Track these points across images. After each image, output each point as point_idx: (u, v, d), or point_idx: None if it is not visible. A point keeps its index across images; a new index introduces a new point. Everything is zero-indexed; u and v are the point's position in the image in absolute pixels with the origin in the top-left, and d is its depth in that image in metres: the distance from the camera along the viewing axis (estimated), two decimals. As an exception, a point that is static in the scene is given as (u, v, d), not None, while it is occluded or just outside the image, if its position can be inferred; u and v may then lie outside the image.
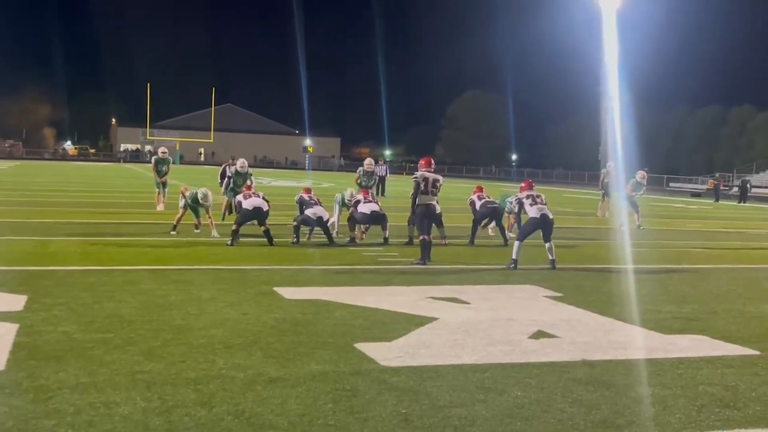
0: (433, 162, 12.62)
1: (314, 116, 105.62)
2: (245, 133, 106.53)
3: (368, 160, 19.39)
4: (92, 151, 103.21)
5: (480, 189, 16.50)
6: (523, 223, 12.53)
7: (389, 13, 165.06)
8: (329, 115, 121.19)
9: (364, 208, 14.21)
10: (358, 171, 19.15)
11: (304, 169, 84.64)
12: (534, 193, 12.23)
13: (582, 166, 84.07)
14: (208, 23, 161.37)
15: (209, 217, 14.63)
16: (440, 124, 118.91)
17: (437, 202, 13.53)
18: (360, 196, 14.72)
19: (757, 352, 6.89)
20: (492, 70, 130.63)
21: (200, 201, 14.33)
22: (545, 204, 12.12)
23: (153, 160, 20.83)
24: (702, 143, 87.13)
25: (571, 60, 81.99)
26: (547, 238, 11.99)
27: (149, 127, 79.89)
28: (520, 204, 12.34)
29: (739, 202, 42.36)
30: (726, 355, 6.77)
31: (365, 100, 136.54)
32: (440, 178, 12.49)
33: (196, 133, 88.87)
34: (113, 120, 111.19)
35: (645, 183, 21.42)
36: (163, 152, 20.59)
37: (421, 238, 12.03)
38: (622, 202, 21.43)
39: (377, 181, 24.28)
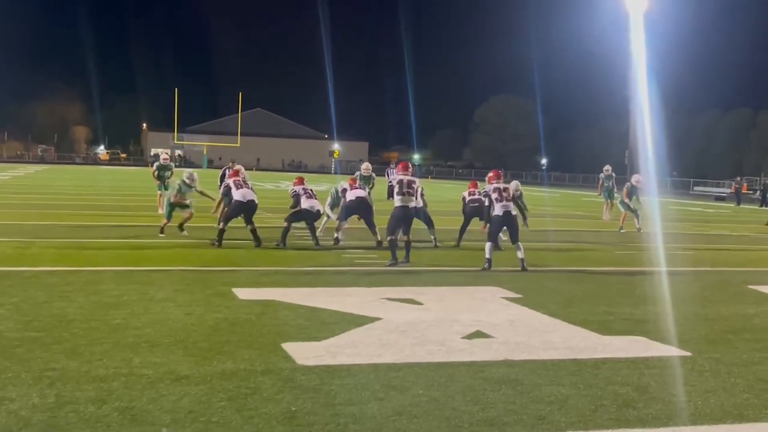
0: (410, 166, 12.73)
1: (342, 120, 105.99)
2: (274, 137, 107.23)
3: (365, 165, 19.38)
4: (123, 155, 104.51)
5: (474, 185, 15.86)
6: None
7: (417, 17, 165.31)
8: (358, 119, 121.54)
9: (351, 195, 14.30)
10: (355, 174, 19.21)
11: (330, 173, 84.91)
12: (501, 186, 12.13)
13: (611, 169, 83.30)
14: (239, 29, 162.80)
15: (188, 213, 14.65)
16: (468, 128, 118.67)
17: (425, 204, 13.59)
18: (347, 185, 14.86)
19: (688, 354, 6.86)
20: (520, 74, 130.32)
21: (186, 182, 14.35)
22: (510, 200, 12.05)
23: (155, 166, 20.98)
24: (731, 146, 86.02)
25: (600, 63, 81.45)
26: (514, 238, 11.95)
27: (177, 132, 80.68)
28: (489, 198, 12.09)
29: (761, 206, 41.75)
30: (655, 356, 6.75)
31: (394, 105, 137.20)
32: (416, 180, 12.51)
33: (224, 138, 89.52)
34: (144, 125, 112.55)
35: (640, 187, 21.09)
36: (164, 159, 20.79)
37: (389, 238, 12.11)
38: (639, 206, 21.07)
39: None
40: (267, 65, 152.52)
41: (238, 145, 79.04)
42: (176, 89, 75.82)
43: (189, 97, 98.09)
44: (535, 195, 45.95)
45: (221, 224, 13.33)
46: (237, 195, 13.52)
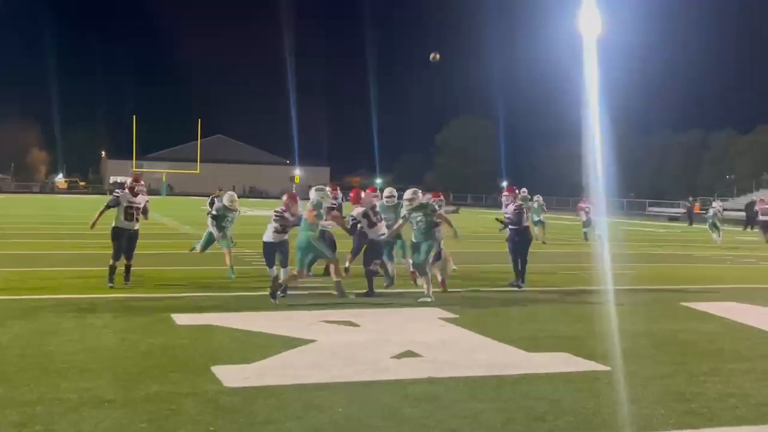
0: (362, 195, 12.33)
1: (304, 146, 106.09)
2: (234, 163, 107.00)
3: (389, 190, 13.66)
4: (82, 184, 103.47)
5: (437, 195, 13.89)
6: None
7: (379, 41, 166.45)
8: (320, 144, 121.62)
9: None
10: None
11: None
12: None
13: (568, 191, 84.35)
14: (200, 55, 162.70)
15: (228, 250, 13.40)
16: (430, 151, 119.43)
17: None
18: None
19: (607, 368, 7.11)
20: (481, 97, 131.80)
21: (227, 206, 13.53)
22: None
23: (214, 209, 18.66)
24: (685, 167, 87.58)
25: (556, 86, 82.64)
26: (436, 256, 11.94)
27: (136, 159, 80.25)
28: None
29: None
30: (575, 371, 6.99)
31: (356, 129, 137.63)
32: (376, 204, 12.37)
33: (184, 164, 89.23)
34: (103, 153, 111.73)
35: (535, 205, 24.66)
36: (229, 199, 17.32)
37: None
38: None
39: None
40: (228, 91, 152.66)
41: (198, 171, 78.82)
42: (135, 116, 75.64)
43: (148, 124, 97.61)
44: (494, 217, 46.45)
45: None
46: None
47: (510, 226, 13.19)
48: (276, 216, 11.66)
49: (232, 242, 14.42)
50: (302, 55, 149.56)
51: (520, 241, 12.98)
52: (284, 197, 11.96)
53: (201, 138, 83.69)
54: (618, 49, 64.37)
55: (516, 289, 12.63)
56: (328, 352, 7.53)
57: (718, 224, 26.73)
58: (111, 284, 11.46)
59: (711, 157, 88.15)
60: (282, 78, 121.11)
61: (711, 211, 27.29)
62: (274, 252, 11.74)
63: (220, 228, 13.67)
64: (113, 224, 11.93)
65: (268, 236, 11.77)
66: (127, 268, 11.85)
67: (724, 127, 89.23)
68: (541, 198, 25.76)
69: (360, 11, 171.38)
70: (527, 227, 13.36)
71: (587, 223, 27.11)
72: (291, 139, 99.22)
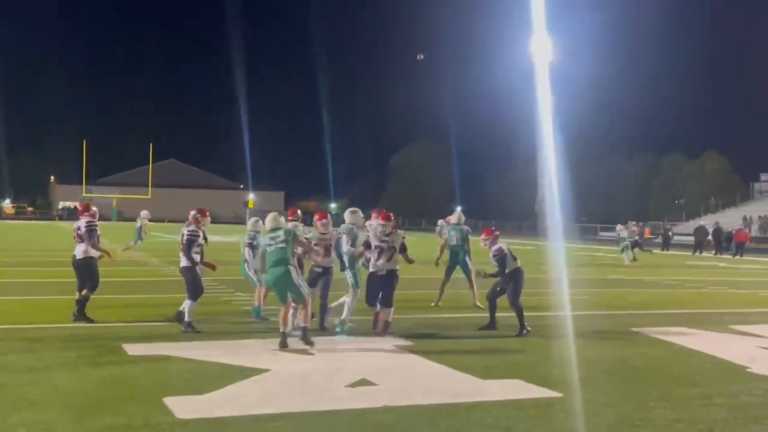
0: (298, 212, 12.11)
1: (258, 170, 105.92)
2: (187, 188, 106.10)
3: (458, 213, 15.20)
4: (30, 209, 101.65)
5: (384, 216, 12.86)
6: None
7: (333, 66, 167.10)
8: (274, 168, 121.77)
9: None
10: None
11: (245, 223, 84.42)
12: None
13: (522, 216, 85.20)
14: (151, 79, 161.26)
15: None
16: (385, 175, 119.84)
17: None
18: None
19: (559, 395, 7.19)
20: (434, 122, 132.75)
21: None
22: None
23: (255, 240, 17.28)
24: (636, 192, 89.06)
25: (510, 112, 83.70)
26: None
27: (86, 184, 79.21)
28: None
29: (662, 250, 43.32)
30: (527, 398, 7.06)
31: (310, 154, 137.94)
32: (333, 234, 11.06)
33: (135, 189, 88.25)
34: (52, 177, 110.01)
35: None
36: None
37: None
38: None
39: None
40: (180, 115, 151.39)
41: (149, 197, 77.97)
42: (85, 141, 74.72)
43: (99, 148, 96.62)
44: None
45: None
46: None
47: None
48: (191, 236, 10.66)
49: None
50: (255, 80, 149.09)
51: (509, 289, 11.01)
52: (192, 213, 11.13)
53: (153, 162, 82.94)
54: (569, 75, 65.56)
55: (492, 330, 11.00)
56: (282, 381, 7.50)
57: (628, 246, 28.62)
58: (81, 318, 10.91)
59: (661, 182, 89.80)
60: (235, 102, 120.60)
61: (623, 233, 29.51)
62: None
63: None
64: None
65: (185, 261, 10.66)
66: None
67: (674, 152, 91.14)
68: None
69: (313, 37, 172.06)
70: (517, 269, 11.14)
71: (634, 245, 28.70)
72: (244, 164, 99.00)
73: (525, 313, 10.87)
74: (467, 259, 14.40)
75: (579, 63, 73.88)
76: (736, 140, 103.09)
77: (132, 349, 8.94)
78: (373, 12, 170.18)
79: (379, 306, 10.64)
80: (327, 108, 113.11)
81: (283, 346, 9.13)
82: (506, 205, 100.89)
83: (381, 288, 10.50)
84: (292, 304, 9.62)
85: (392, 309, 10.49)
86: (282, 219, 11.77)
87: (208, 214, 11.19)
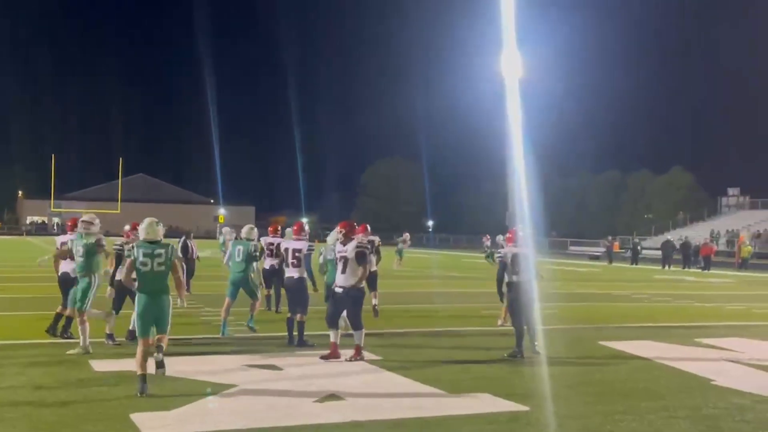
0: (279, 230, 12.40)
1: (229, 185, 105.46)
2: (156, 203, 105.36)
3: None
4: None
5: (364, 228, 13.18)
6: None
7: (304, 81, 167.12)
8: (244, 183, 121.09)
9: None
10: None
11: (215, 238, 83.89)
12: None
13: (493, 230, 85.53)
14: (120, 93, 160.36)
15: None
16: (355, 191, 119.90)
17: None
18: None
19: (526, 408, 7.24)
20: (405, 138, 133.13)
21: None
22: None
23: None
24: (604, 207, 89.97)
25: (481, 127, 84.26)
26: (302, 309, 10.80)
27: (54, 199, 78.40)
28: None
29: (631, 264, 43.76)
30: (495, 412, 7.10)
31: (281, 169, 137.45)
32: (302, 246, 10.81)
33: (104, 204, 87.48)
34: (19, 192, 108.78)
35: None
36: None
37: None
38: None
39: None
40: (150, 130, 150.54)
41: (119, 211, 77.34)
42: (53, 156, 74.00)
43: (67, 163, 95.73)
44: (420, 257, 46.89)
45: None
46: None
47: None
48: (118, 250, 10.57)
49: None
50: (225, 95, 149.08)
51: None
52: (127, 227, 11.16)
53: (122, 177, 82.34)
54: (539, 91, 66.20)
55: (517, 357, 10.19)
56: (249, 397, 7.48)
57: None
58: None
59: (629, 198, 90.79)
60: (205, 117, 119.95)
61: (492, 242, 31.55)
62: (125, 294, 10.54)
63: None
64: None
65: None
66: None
67: (641, 168, 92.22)
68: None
69: (284, 53, 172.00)
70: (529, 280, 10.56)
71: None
72: (215, 179, 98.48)
73: (495, 328, 10.92)
74: None
75: (549, 80, 74.70)
76: (702, 156, 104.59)
77: (99, 365, 8.87)
78: (344, 29, 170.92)
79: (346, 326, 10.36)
80: (298, 123, 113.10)
81: (143, 393, 7.42)
82: (477, 219, 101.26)
83: (341, 307, 9.91)
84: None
85: (362, 331, 9.82)
86: (252, 230, 12.25)
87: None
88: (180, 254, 17.48)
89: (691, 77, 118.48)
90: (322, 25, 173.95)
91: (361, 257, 9.69)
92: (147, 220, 8.19)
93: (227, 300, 11.69)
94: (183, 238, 18.98)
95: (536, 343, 10.35)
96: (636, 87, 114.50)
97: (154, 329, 7.94)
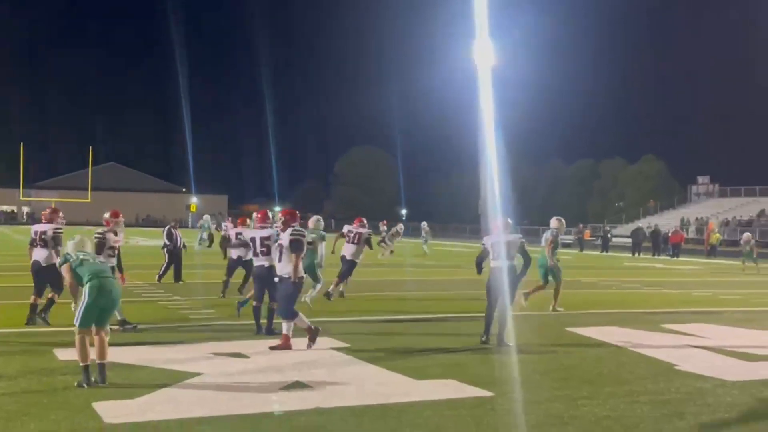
0: (248, 220, 12.43)
1: (201, 174, 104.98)
2: (128, 192, 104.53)
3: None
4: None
5: (359, 220, 16.00)
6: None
7: (277, 69, 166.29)
8: (217, 172, 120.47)
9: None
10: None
11: (188, 227, 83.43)
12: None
13: (466, 219, 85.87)
14: (91, 81, 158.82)
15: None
16: (329, 179, 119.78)
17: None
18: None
19: (491, 394, 7.28)
20: (379, 126, 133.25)
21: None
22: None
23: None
24: (576, 196, 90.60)
25: (454, 115, 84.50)
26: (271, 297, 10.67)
27: (24, 188, 77.38)
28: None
29: (602, 252, 44.12)
30: (459, 398, 7.12)
31: (254, 157, 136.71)
32: (270, 234, 10.66)
33: (75, 193, 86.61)
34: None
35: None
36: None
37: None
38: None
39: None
40: (122, 118, 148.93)
41: (89, 200, 76.62)
42: (22, 144, 73.07)
43: (37, 152, 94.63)
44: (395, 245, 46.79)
45: None
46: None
47: None
48: (99, 239, 10.62)
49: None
50: (198, 83, 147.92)
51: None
52: (106, 215, 11.16)
53: (92, 166, 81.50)
54: (512, 80, 66.36)
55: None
56: (214, 385, 7.45)
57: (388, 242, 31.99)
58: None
59: (601, 186, 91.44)
60: (177, 105, 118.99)
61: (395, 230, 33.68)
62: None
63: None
64: None
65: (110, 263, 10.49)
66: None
67: (613, 156, 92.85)
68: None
69: (257, 40, 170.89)
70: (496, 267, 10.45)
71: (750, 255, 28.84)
72: (187, 167, 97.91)
73: (463, 315, 10.95)
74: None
75: (521, 68, 74.87)
76: (673, 145, 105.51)
77: (63, 354, 8.78)
78: (318, 16, 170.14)
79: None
80: (271, 111, 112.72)
81: (88, 383, 7.24)
82: (451, 207, 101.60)
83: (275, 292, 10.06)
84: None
85: (290, 323, 9.51)
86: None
87: (121, 215, 11.17)
88: (166, 241, 17.83)
89: (664, 66, 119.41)
90: (296, 15, 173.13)
91: (295, 245, 9.56)
92: (77, 238, 8.10)
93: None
94: (168, 227, 19.06)
95: (504, 335, 10.32)
96: (608, 76, 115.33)
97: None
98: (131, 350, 9.17)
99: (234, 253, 14.75)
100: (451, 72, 74.00)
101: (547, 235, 14.91)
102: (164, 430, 5.90)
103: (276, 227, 10.42)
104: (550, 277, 14.31)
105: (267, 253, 10.64)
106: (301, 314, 9.69)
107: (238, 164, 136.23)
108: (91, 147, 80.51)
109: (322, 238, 14.09)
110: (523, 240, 10.85)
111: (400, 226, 35.24)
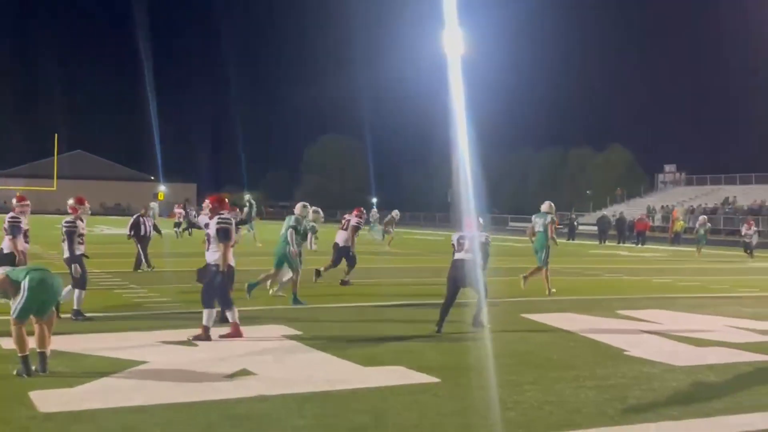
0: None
1: (169, 162, 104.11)
2: (95, 180, 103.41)
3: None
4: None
5: (359, 211, 17.30)
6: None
7: (245, 58, 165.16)
8: (186, 160, 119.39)
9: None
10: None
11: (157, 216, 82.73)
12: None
13: (436, 207, 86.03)
14: (59, 67, 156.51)
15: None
16: (299, 168, 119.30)
17: None
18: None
19: (437, 380, 7.24)
20: (348, 115, 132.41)
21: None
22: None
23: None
24: (545, 183, 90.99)
25: (424, 104, 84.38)
26: None
27: (-13, 176, 76.41)
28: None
29: (568, 239, 44.35)
30: (406, 384, 7.09)
31: (223, 145, 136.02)
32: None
33: (41, 181, 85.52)
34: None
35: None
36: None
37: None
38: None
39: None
40: (88, 106, 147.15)
41: (55, 188, 75.71)
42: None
43: (0, 139, 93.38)
44: (363, 233, 46.69)
45: None
46: None
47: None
48: (70, 227, 10.61)
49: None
50: (166, 70, 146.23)
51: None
52: (71, 201, 10.92)
53: (58, 154, 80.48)
54: (482, 68, 66.40)
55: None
56: (159, 373, 7.35)
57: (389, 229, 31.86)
58: None
59: (569, 174, 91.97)
60: (145, 92, 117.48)
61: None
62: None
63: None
64: None
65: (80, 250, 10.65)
66: None
67: (581, 145, 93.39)
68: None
69: (225, 27, 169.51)
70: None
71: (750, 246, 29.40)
72: (155, 155, 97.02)
73: (421, 302, 10.91)
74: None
75: (491, 57, 74.99)
76: (640, 134, 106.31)
77: (7, 342, 8.59)
78: (288, 3, 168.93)
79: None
80: (240, 99, 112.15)
81: (28, 373, 7.10)
82: (421, 196, 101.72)
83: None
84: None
85: (211, 311, 9.21)
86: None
87: (86, 202, 10.96)
88: (131, 232, 17.74)
89: (631, 56, 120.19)
90: (266, 2, 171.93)
91: (221, 234, 9.27)
92: None
93: (273, 270, 13.03)
94: (136, 216, 19.04)
95: (480, 316, 10.44)
96: (577, 64, 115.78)
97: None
98: (78, 338, 9.03)
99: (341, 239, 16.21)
100: (421, 60, 73.99)
101: (546, 220, 15.46)
102: (100, 418, 5.80)
103: (205, 215, 10.07)
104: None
105: None
106: (212, 311, 9.27)
107: (207, 152, 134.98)
108: (56, 135, 79.49)
109: (314, 229, 15.20)
110: (488, 240, 11.25)
111: (396, 212, 34.51)
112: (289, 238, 12.68)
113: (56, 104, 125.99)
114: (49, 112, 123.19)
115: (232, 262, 9.44)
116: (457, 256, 10.55)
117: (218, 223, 9.35)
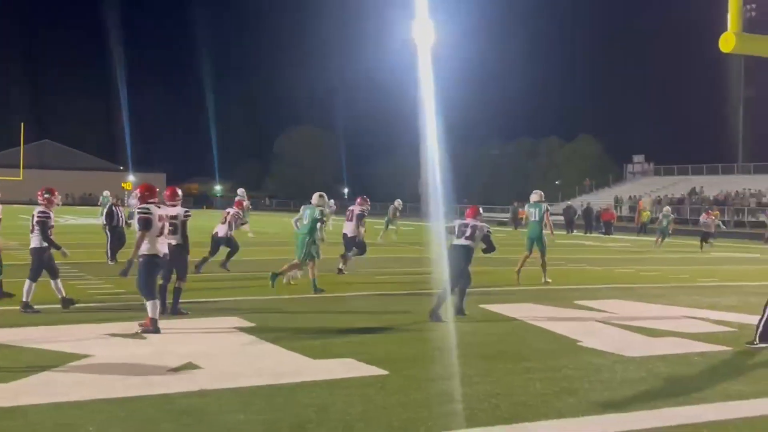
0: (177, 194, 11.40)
1: (139, 152, 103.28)
2: (63, 170, 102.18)
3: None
4: None
5: (363, 200, 17.89)
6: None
7: (215, 48, 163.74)
8: (155, 150, 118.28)
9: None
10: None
11: (124, 205, 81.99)
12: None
13: (406, 198, 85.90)
14: (25, 56, 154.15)
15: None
16: (269, 159, 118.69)
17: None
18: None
19: (386, 372, 7.15)
20: (319, 106, 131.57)
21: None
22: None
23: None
24: (515, 175, 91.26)
25: (394, 95, 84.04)
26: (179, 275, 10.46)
27: (-49, 166, 75.14)
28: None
29: (537, 229, 44.52)
30: (354, 377, 7.00)
31: (193, 135, 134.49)
32: (179, 212, 10.45)
33: (6, 171, 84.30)
34: None
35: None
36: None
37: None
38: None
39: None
40: (56, 95, 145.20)
41: (21, 178, 74.64)
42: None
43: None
44: (338, 223, 46.61)
45: None
46: None
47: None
48: (43, 217, 10.50)
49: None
50: (135, 58, 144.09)
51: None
52: (42, 193, 10.77)
53: (24, 143, 79.36)
54: (452, 59, 66.33)
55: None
56: (101, 367, 7.19)
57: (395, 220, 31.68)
58: None
59: (540, 165, 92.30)
60: (114, 81, 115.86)
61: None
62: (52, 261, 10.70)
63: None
64: None
65: (36, 242, 10.55)
66: None
67: (551, 135, 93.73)
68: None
69: (196, 16, 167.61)
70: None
71: (712, 236, 29.25)
72: (124, 145, 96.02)
73: (387, 293, 10.81)
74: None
75: (461, 48, 74.84)
76: (609, 124, 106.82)
77: (-53, 336, 8.41)
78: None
79: None
80: (210, 88, 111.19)
81: None
82: (392, 187, 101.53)
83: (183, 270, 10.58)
84: None
85: (154, 302, 9.04)
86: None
87: (57, 193, 10.97)
88: (104, 221, 17.52)
89: (600, 47, 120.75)
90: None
91: (140, 222, 9.17)
92: None
93: (296, 260, 13.14)
94: (109, 204, 18.94)
95: (439, 312, 10.34)
96: (546, 55, 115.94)
97: None
98: (23, 331, 8.84)
99: (221, 231, 15.81)
100: (391, 52, 73.68)
101: (542, 209, 16.37)
102: (33, 415, 5.64)
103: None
104: (535, 247, 15.56)
105: (175, 231, 10.34)
106: (154, 302, 9.07)
107: (177, 143, 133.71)
108: (23, 124, 78.36)
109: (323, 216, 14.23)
110: (489, 231, 11.34)
111: (398, 202, 33.66)
112: (319, 234, 13.36)
113: (22, 93, 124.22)
114: (16, 102, 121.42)
115: (161, 251, 9.28)
116: (456, 242, 10.85)
117: (138, 212, 9.29)
